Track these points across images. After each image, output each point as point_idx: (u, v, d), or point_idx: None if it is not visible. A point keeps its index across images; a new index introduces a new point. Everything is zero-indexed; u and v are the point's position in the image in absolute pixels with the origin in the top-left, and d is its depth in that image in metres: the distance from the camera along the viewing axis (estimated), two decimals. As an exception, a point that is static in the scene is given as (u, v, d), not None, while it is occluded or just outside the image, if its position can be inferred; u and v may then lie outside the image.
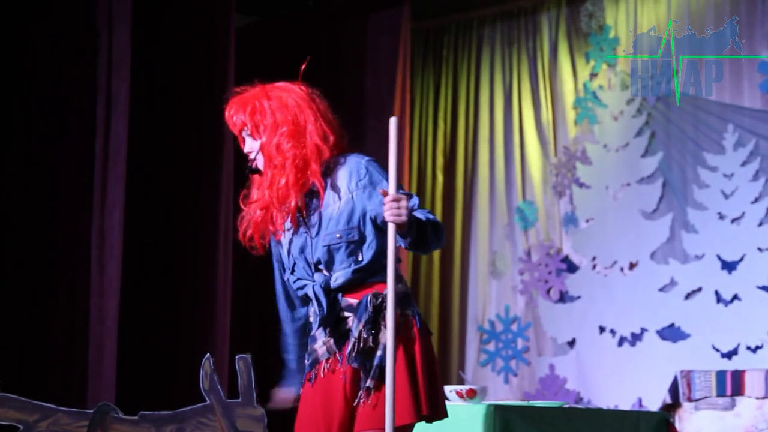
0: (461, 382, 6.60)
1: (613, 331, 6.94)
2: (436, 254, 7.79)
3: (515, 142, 7.64)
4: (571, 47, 7.49)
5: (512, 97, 7.69)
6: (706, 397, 5.26)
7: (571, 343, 7.14)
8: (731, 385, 5.26)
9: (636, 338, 6.85)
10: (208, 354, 3.61)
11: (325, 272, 3.18)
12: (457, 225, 7.77)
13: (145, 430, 3.56)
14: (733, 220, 6.57)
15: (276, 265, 3.40)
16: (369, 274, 3.13)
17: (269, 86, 3.36)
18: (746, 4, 6.80)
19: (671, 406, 5.37)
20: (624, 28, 7.28)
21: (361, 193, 3.14)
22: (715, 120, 6.77)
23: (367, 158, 3.22)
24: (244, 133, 3.32)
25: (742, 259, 6.46)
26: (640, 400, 6.61)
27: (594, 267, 7.13)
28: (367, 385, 3.03)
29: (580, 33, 7.47)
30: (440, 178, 7.91)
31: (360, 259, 3.12)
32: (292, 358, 3.41)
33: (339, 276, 3.15)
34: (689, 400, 5.30)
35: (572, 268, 7.22)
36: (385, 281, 3.04)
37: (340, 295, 3.16)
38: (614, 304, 6.96)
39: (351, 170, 3.18)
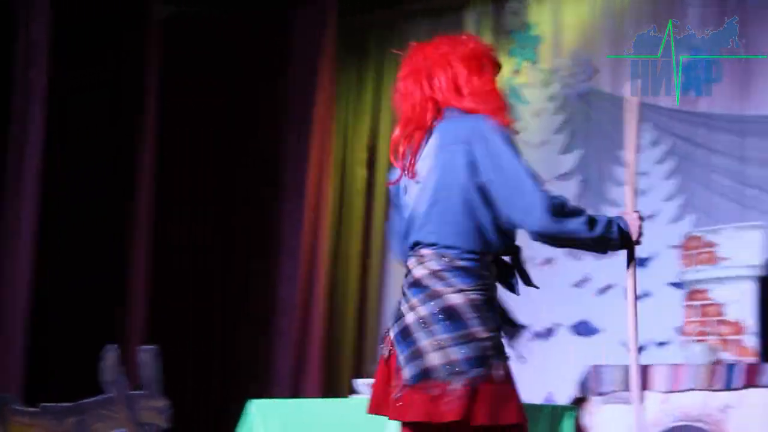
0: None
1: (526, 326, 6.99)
2: (354, 251, 7.80)
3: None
4: (495, 44, 7.54)
5: (436, 93, 7.71)
6: (614, 392, 5.32)
7: (487, 338, 7.18)
8: (639, 380, 5.33)
9: (549, 333, 6.93)
10: (111, 345, 3.60)
11: None
12: (377, 221, 7.78)
13: (46, 422, 3.53)
14: (646, 218, 6.65)
15: None
16: None
17: None
18: (666, 4, 6.90)
19: (580, 400, 5.43)
20: (547, 26, 7.35)
21: None
22: (632, 118, 6.85)
23: None
24: None
25: (653, 256, 6.57)
26: (551, 395, 6.69)
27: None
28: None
29: (504, 30, 7.52)
30: (361, 172, 7.92)
31: None
32: None
33: None
34: (598, 394, 5.37)
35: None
36: None
37: None
38: (529, 299, 6.99)
39: None
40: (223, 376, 7.38)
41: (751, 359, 5.47)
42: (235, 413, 4.50)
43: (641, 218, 2.98)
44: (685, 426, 5.16)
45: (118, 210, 6.56)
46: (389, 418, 2.70)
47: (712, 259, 5.84)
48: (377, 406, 2.80)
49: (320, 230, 7.55)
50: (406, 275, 2.83)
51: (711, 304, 5.83)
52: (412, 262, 2.81)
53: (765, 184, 6.41)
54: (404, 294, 2.80)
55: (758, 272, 5.72)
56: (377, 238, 7.78)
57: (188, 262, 7.44)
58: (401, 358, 2.69)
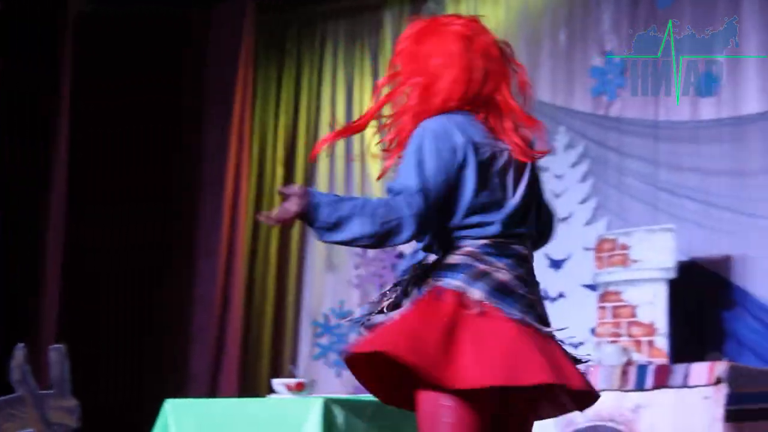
0: (292, 375, 6.61)
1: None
2: (273, 248, 7.77)
3: (355, 137, 7.67)
4: (413, 45, 7.56)
5: (354, 93, 7.73)
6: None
7: (404, 338, 7.21)
8: (553, 380, 5.39)
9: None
10: (19, 344, 3.52)
11: None
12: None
13: (-48, 422, 3.47)
14: (561, 220, 6.74)
15: None
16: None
17: None
18: (581, 8, 6.98)
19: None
20: (464, 29, 7.38)
21: None
22: (547, 121, 6.88)
23: (429, 125, 2.71)
24: None
25: (568, 257, 6.65)
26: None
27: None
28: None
29: (422, 31, 7.54)
30: (279, 171, 7.89)
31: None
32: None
33: None
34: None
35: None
36: (436, 255, 2.70)
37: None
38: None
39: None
40: (139, 375, 7.29)
41: (662, 360, 5.56)
42: (151, 413, 4.45)
43: None
44: (597, 426, 5.22)
45: (32, 207, 6.45)
46: (579, 385, 2.68)
47: (625, 261, 5.92)
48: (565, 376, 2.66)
49: (238, 228, 7.51)
50: (522, 261, 2.72)
51: (623, 306, 5.91)
52: (523, 250, 2.74)
53: (676, 188, 6.52)
54: (532, 281, 2.75)
55: (670, 274, 5.82)
56: (296, 236, 7.75)
57: (103, 258, 7.34)
58: (557, 336, 2.73)
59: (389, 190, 2.66)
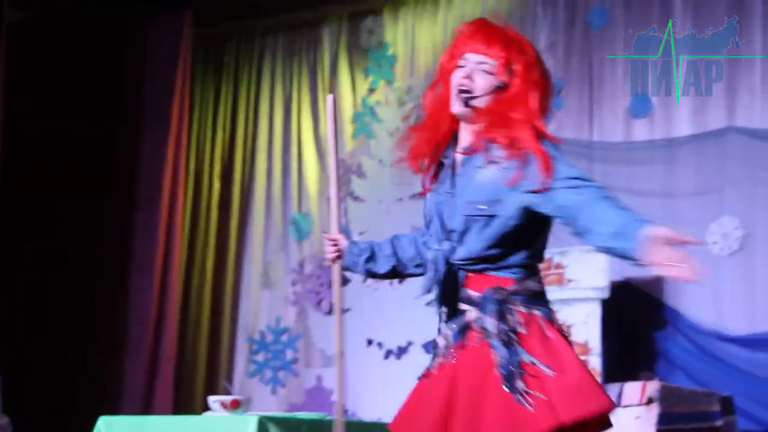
0: (227, 392, 6.59)
1: (380, 344, 7.05)
2: (209, 262, 7.71)
3: (293, 153, 7.67)
4: (352, 62, 7.59)
5: (292, 108, 7.73)
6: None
7: (340, 355, 7.21)
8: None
9: (402, 351, 6.98)
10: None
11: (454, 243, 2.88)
12: (231, 234, 7.73)
13: None
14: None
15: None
16: (495, 266, 2.86)
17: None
18: (516, 27, 7.02)
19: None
20: (402, 46, 7.43)
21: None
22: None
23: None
24: (483, 66, 2.91)
25: (504, 276, 6.69)
26: (403, 412, 6.73)
27: (365, 280, 7.21)
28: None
29: (360, 48, 7.58)
30: (216, 185, 7.85)
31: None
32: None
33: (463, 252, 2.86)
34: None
35: (344, 280, 7.26)
36: (512, 277, 2.83)
37: (462, 275, 2.87)
38: (383, 317, 7.07)
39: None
40: (72, 392, 7.19)
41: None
42: (84, 427, 4.40)
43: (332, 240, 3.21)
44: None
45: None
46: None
47: (560, 281, 5.98)
48: None
49: (174, 241, 7.44)
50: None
51: (558, 325, 5.95)
52: None
53: (610, 208, 6.59)
54: None
55: (604, 294, 5.88)
56: (230, 251, 7.71)
57: (36, 261, 7.23)
58: None
59: (574, 180, 2.87)
